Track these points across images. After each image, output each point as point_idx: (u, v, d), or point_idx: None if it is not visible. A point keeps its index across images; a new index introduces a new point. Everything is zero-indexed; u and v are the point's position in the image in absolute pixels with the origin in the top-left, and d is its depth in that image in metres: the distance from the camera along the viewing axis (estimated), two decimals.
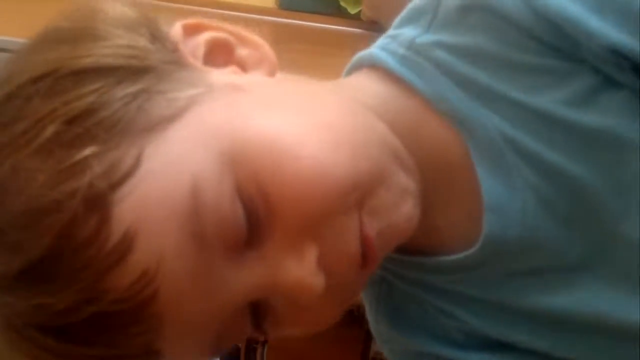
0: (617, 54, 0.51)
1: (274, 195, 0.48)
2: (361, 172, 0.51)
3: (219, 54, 0.55)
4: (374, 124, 0.55)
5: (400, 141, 0.55)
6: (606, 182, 0.53)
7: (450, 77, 0.54)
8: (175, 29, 0.54)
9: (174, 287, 0.47)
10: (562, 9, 0.51)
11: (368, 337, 1.41)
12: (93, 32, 0.51)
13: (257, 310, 0.52)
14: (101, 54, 0.49)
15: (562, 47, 0.52)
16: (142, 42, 0.51)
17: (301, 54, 1.34)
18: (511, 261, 0.56)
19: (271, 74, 0.56)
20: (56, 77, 0.48)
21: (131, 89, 0.48)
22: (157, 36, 0.52)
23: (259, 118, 0.51)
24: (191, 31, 0.55)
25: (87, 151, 0.46)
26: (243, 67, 0.55)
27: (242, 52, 0.56)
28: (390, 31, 0.59)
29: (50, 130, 0.46)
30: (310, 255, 0.50)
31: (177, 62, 0.52)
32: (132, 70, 0.49)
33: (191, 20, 0.55)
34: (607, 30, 0.51)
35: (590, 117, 0.53)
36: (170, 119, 0.48)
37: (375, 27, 1.44)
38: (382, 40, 0.59)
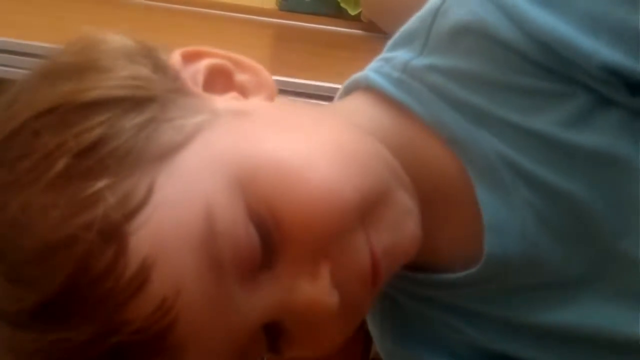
0: (611, 73, 0.52)
1: (285, 218, 0.49)
2: (367, 191, 0.51)
3: (218, 80, 0.55)
4: (374, 145, 0.55)
5: (399, 162, 0.55)
6: (604, 200, 0.54)
7: (446, 100, 0.55)
8: (174, 57, 0.54)
9: (192, 314, 0.47)
10: (554, 31, 0.51)
11: (368, 339, 1.41)
12: (96, 65, 0.51)
13: (272, 332, 0.52)
14: (106, 86, 0.49)
15: (555, 68, 0.53)
16: (145, 72, 0.51)
17: (302, 55, 1.34)
18: (513, 278, 0.57)
19: (271, 98, 0.56)
20: (63, 112, 0.48)
21: (138, 119, 0.48)
22: (158, 65, 0.53)
23: (266, 142, 0.51)
24: (190, 58, 0.55)
25: (100, 183, 0.46)
26: (243, 92, 0.56)
27: (241, 77, 0.56)
28: (384, 54, 0.59)
29: (60, 164, 0.46)
30: (324, 274, 0.50)
31: (179, 90, 0.52)
32: (138, 101, 0.49)
33: (189, 48, 0.56)
34: (600, 49, 0.51)
35: (585, 137, 0.53)
36: (178, 147, 0.49)
37: (375, 28, 1.45)
38: (375, 63, 0.59)
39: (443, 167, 0.56)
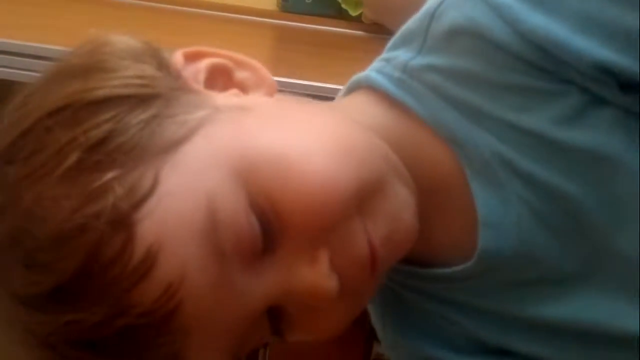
0: (603, 72, 0.53)
1: (284, 208, 0.51)
2: (363, 181, 0.53)
3: (219, 78, 0.58)
4: (373, 139, 0.56)
5: (398, 157, 0.57)
6: (597, 197, 0.55)
7: (444, 99, 0.56)
8: (177, 57, 0.57)
9: (196, 299, 0.49)
10: (547, 32, 0.52)
11: (369, 339, 1.41)
12: (102, 65, 0.53)
13: (275, 317, 0.54)
14: (112, 85, 0.52)
15: (549, 68, 0.54)
16: (149, 70, 0.54)
17: (303, 56, 1.34)
18: (508, 272, 0.58)
19: (270, 94, 0.58)
20: (73, 110, 0.50)
21: (144, 115, 0.51)
22: (162, 64, 0.55)
23: (266, 135, 0.53)
24: (191, 58, 0.57)
25: (109, 175, 0.48)
26: (243, 89, 0.58)
27: (241, 75, 0.58)
28: (385, 54, 0.60)
29: (72, 158, 0.49)
30: (323, 259, 0.52)
31: (182, 87, 0.54)
32: (143, 98, 0.52)
33: (190, 49, 0.58)
34: (592, 48, 0.52)
35: (578, 135, 0.54)
36: (182, 141, 0.51)
37: (376, 29, 1.45)
38: (377, 63, 0.60)
39: (440, 163, 0.57)
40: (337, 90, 0.65)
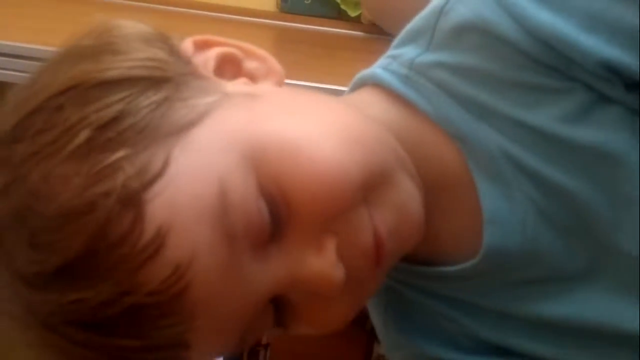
0: (609, 70, 0.53)
1: (292, 194, 0.51)
2: (371, 171, 0.53)
3: (228, 67, 0.58)
4: (381, 131, 0.57)
5: (404, 153, 0.57)
6: (601, 195, 0.55)
7: (451, 95, 0.56)
8: (186, 44, 0.57)
9: (204, 281, 0.49)
10: (554, 29, 0.53)
11: (371, 339, 1.41)
12: (114, 47, 0.53)
13: (279, 307, 0.54)
14: (125, 66, 0.52)
15: (556, 65, 0.54)
16: (161, 54, 0.54)
17: (302, 57, 1.34)
18: (513, 271, 0.58)
19: (279, 84, 0.59)
20: (84, 89, 0.50)
21: (155, 97, 0.51)
22: (172, 50, 0.55)
23: (276, 121, 0.53)
24: (201, 46, 0.57)
25: (120, 154, 0.48)
26: (252, 78, 0.58)
27: (250, 65, 0.59)
28: (391, 51, 0.60)
29: (83, 136, 0.48)
30: (330, 247, 0.52)
31: (192, 73, 0.55)
32: (154, 81, 0.52)
33: (200, 37, 0.58)
34: (598, 46, 0.52)
35: (584, 133, 0.54)
36: (192, 124, 0.51)
37: (376, 30, 1.45)
38: (383, 60, 0.60)
39: (446, 160, 0.57)
40: (336, 90, 0.65)
